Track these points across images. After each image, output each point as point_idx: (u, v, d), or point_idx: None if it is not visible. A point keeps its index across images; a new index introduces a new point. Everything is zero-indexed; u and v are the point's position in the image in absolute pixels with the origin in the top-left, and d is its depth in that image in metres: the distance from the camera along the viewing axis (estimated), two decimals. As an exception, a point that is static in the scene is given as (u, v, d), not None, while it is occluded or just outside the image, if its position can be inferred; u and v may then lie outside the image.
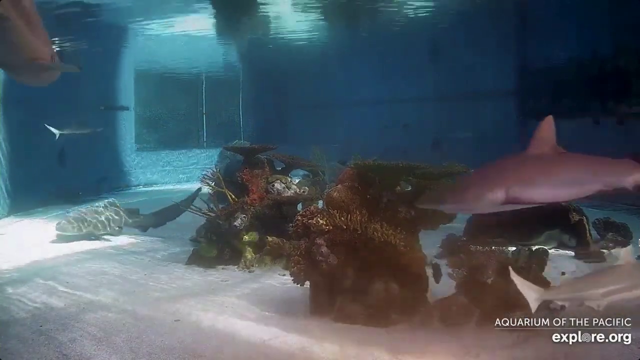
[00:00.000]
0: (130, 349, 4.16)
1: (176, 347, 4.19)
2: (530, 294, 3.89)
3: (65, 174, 12.96)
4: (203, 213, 7.16)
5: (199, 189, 8.70)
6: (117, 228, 8.78)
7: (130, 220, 8.97)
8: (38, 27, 4.74)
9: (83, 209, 8.83)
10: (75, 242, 8.18)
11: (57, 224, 8.36)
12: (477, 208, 4.10)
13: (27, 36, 4.54)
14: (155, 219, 9.03)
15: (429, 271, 4.94)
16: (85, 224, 8.35)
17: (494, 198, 3.72)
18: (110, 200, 9.06)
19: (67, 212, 9.60)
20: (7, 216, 11.08)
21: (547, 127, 4.02)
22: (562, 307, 4.03)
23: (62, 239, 8.26)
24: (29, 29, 4.55)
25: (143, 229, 8.95)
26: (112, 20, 14.60)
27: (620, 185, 4.12)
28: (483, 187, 3.84)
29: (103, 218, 8.61)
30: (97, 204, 8.93)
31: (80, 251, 7.83)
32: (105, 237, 8.53)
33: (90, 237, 8.39)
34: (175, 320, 4.81)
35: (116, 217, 8.81)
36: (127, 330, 4.54)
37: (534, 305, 3.87)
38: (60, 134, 11.93)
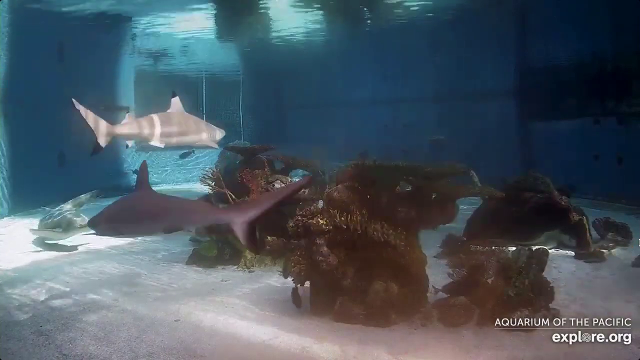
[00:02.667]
0: (130, 349, 4.17)
1: (176, 347, 4.20)
2: None
3: (65, 175, 12.92)
4: None
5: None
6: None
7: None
8: (199, 123, 7.65)
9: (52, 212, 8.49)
10: (75, 243, 8.17)
11: (39, 226, 8.13)
12: (103, 234, 5.20)
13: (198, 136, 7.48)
14: None
15: (429, 271, 4.94)
16: (62, 225, 8.03)
17: (104, 227, 4.88)
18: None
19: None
20: (7, 216, 11.09)
21: (142, 171, 4.95)
22: None
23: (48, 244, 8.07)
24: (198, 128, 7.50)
25: None
26: (113, 19, 14.58)
27: (191, 226, 5.53)
28: (101, 217, 4.90)
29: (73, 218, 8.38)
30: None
31: (80, 251, 7.85)
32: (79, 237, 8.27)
33: (66, 237, 8.11)
34: (175, 320, 4.82)
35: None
36: (127, 330, 4.56)
37: None
38: None
